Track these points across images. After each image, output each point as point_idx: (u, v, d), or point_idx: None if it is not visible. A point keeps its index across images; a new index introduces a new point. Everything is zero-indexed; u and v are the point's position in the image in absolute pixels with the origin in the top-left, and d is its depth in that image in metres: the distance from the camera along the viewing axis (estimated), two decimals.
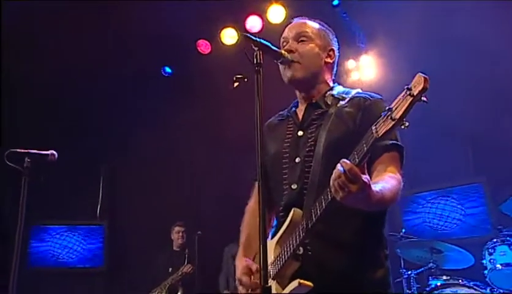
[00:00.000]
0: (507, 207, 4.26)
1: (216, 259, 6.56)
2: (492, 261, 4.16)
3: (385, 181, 1.82)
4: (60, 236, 7.35)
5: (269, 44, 2.05)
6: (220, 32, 6.67)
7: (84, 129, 7.17)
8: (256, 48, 1.98)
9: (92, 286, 7.21)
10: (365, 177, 1.60)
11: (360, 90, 2.19)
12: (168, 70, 7.23)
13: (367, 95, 2.12)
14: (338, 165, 1.61)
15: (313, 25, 2.31)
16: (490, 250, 4.21)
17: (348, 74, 6.68)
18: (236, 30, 6.64)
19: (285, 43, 2.25)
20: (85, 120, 7.15)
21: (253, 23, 6.52)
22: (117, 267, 7.40)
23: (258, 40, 2.00)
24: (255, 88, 1.93)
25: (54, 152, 3.21)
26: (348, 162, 1.60)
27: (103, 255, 7.37)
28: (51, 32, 5.86)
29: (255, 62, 1.97)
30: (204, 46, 6.81)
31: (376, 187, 1.69)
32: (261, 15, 6.48)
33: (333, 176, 1.63)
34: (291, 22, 2.37)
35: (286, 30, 2.31)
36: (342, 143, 1.91)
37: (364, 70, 6.68)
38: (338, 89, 2.24)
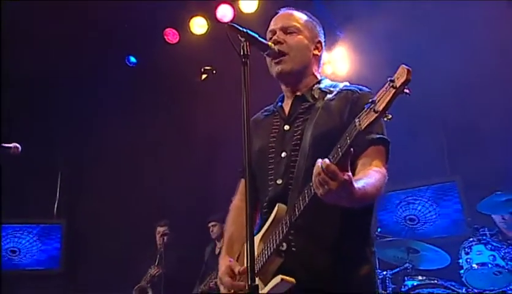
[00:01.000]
0: (484, 206, 4.40)
1: (185, 261, 6.50)
2: (468, 260, 4.29)
3: (368, 176, 1.86)
4: (12, 236, 7.12)
5: (256, 35, 2.05)
6: (189, 21, 6.61)
7: (42, 119, 6.97)
8: (242, 39, 1.97)
9: (47, 290, 7.02)
10: (346, 175, 1.62)
11: (348, 84, 2.22)
12: (132, 59, 7.12)
13: (355, 88, 2.15)
14: (318, 161, 1.65)
15: (300, 16, 2.33)
16: (466, 249, 4.35)
17: (321, 67, 6.72)
18: (206, 19, 6.61)
19: (271, 35, 2.25)
20: (42, 110, 6.96)
21: (224, 12, 6.49)
22: (75, 270, 7.22)
23: (245, 30, 2.00)
24: (242, 80, 1.92)
25: (18, 145, 3.10)
26: (326, 159, 1.63)
27: (60, 256, 7.20)
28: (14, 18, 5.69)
29: (241, 53, 1.96)
30: (171, 35, 6.74)
31: (358, 184, 1.72)
32: (233, 4, 6.46)
33: (314, 172, 1.66)
34: (277, 13, 2.37)
35: (273, 22, 2.32)
36: (328, 137, 1.92)
37: (338, 63, 6.75)
38: (325, 83, 2.27)
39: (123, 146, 7.10)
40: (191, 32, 6.64)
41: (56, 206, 7.39)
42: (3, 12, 5.60)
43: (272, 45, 2.16)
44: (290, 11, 2.35)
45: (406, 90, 1.48)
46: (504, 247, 4.21)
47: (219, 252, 6.25)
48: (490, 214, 4.76)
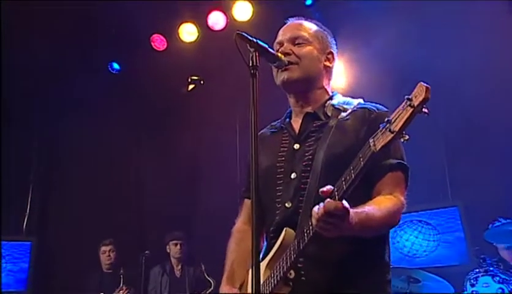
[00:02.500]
0: (491, 234, 4.40)
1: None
2: (474, 292, 4.28)
3: (375, 203, 1.86)
4: None
5: (266, 45, 2.03)
6: (178, 27, 6.59)
7: (13, 132, 6.86)
8: (252, 49, 1.95)
9: None
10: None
11: (362, 101, 2.20)
12: (115, 66, 7.05)
13: (372, 107, 2.13)
14: (320, 205, 1.66)
15: (310, 26, 2.31)
16: (472, 281, 4.33)
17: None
18: (196, 26, 6.61)
19: (279, 47, 2.23)
20: (14, 121, 6.85)
21: (216, 19, 6.50)
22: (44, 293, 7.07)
23: (254, 40, 1.97)
24: (250, 93, 1.89)
25: None
26: (331, 201, 1.64)
27: (27, 277, 7.02)
28: None
29: (250, 64, 1.93)
30: (159, 42, 6.71)
31: (357, 210, 1.73)
32: (225, 11, 6.46)
33: (317, 214, 1.66)
34: (285, 24, 2.36)
35: (281, 32, 2.30)
36: (342, 159, 1.90)
37: (336, 77, 6.77)
38: (338, 99, 2.24)
39: (99, 160, 7.02)
40: (180, 39, 6.62)
41: (25, 222, 7.23)
42: None
43: (282, 56, 2.14)
44: (299, 21, 2.34)
45: (425, 110, 1.47)
46: (511, 279, 4.20)
47: (181, 273, 6.11)
48: (493, 243, 4.78)
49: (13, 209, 7.15)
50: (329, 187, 1.67)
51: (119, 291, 5.99)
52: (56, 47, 6.27)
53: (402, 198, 1.96)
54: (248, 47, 1.95)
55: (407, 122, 1.48)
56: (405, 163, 2.03)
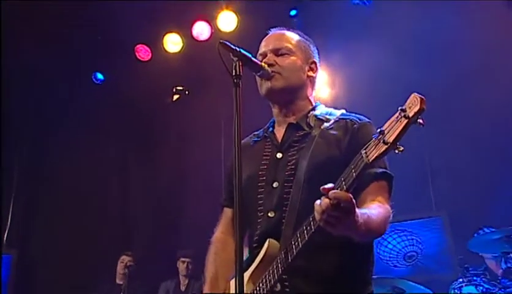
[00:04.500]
0: (475, 244, 4.43)
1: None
2: None
3: (372, 208, 1.84)
4: None
5: (249, 54, 2.03)
6: (162, 37, 6.59)
7: None
8: (235, 58, 1.96)
9: None
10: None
11: (344, 112, 2.21)
12: (99, 76, 7.02)
13: (354, 118, 2.14)
14: (325, 196, 1.60)
15: (292, 36, 2.32)
16: (456, 290, 4.35)
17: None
18: (181, 36, 6.61)
19: (262, 59, 2.23)
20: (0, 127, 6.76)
21: (201, 30, 6.52)
22: None
23: (238, 49, 1.98)
24: (233, 103, 1.89)
25: None
26: (339, 191, 1.60)
27: (7, 292, 6.88)
28: None
29: (233, 73, 1.93)
30: (143, 52, 6.71)
31: (362, 213, 1.70)
32: (210, 21, 6.47)
33: (320, 206, 1.60)
34: (267, 34, 2.37)
35: (263, 43, 2.31)
36: (325, 169, 1.93)
37: (319, 88, 6.81)
38: (321, 109, 2.26)
39: (84, 170, 6.95)
40: (164, 49, 6.62)
41: (6, 234, 7.11)
42: None
43: (266, 65, 2.15)
44: (281, 32, 2.34)
45: (420, 121, 1.46)
46: (496, 289, 4.22)
47: (186, 288, 6.15)
48: (478, 252, 4.80)
49: None
50: (330, 185, 1.62)
51: None
52: (38, 57, 6.21)
53: (389, 207, 1.96)
54: (232, 56, 1.96)
55: (402, 133, 1.47)
56: (389, 172, 2.03)
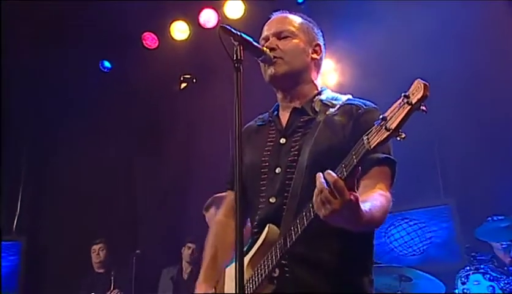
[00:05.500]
0: (482, 232, 4.39)
1: (154, 283, 6.38)
2: (465, 290, 4.27)
3: (374, 199, 1.80)
4: None
5: (250, 39, 2.00)
6: (169, 25, 6.56)
7: (3, 131, 6.80)
8: (236, 43, 1.92)
9: None
10: (352, 195, 1.56)
11: (351, 97, 2.17)
12: (107, 64, 7.01)
13: (360, 103, 2.09)
14: (320, 175, 1.59)
15: (295, 19, 2.28)
16: (463, 278, 4.32)
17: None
18: (188, 24, 6.58)
19: (264, 43, 2.20)
20: (5, 120, 6.79)
21: (208, 17, 6.48)
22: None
23: (239, 33, 1.94)
24: (234, 87, 1.86)
25: None
26: (333, 174, 1.57)
27: (17, 278, 6.96)
28: None
29: (234, 57, 1.90)
30: (150, 40, 6.68)
31: (365, 206, 1.66)
32: (217, 8, 6.44)
33: (316, 190, 1.59)
34: (269, 18, 2.32)
35: (265, 27, 2.27)
36: (328, 155, 1.89)
37: (327, 75, 6.76)
38: (327, 94, 2.21)
39: (91, 158, 6.97)
40: (171, 37, 6.59)
41: (15, 221, 7.17)
42: None
43: (267, 50, 2.11)
44: (283, 15, 2.30)
45: (423, 107, 1.42)
46: (504, 277, 4.19)
47: (189, 276, 6.12)
48: (486, 241, 4.76)
49: (3, 209, 7.08)
50: (330, 171, 1.58)
51: (110, 293, 5.95)
52: (46, 45, 6.22)
53: (390, 195, 1.92)
54: (232, 40, 1.92)
55: (404, 119, 1.44)
56: (392, 157, 1.99)
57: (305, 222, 1.73)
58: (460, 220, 5.69)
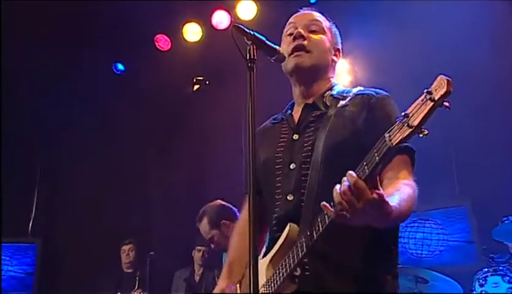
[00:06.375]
0: (499, 232, 4.32)
1: (168, 284, 6.38)
2: (483, 292, 4.20)
3: (401, 191, 1.77)
4: None
5: (264, 38, 1.98)
6: (182, 27, 6.55)
7: (18, 132, 6.85)
8: (249, 42, 1.90)
9: None
10: (376, 193, 1.54)
11: (361, 88, 2.16)
12: (120, 67, 7.03)
13: (371, 92, 2.08)
14: (344, 178, 1.56)
15: (323, 18, 2.30)
16: (481, 280, 4.25)
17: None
18: (201, 26, 6.58)
19: (292, 28, 2.20)
20: (19, 122, 6.84)
21: (220, 19, 6.47)
22: None
23: (252, 32, 1.93)
24: (247, 87, 1.84)
25: None
26: (353, 174, 1.55)
27: (33, 280, 7.00)
28: None
29: (248, 57, 1.88)
30: (163, 42, 6.68)
31: (393, 201, 1.64)
32: (229, 10, 6.42)
33: (337, 191, 1.57)
34: (297, 12, 2.32)
35: (293, 19, 2.27)
36: (343, 148, 1.90)
37: (340, 75, 6.72)
38: (338, 89, 2.20)
39: (105, 160, 7.00)
40: (184, 39, 6.59)
41: (31, 222, 7.21)
42: None
43: (281, 49, 2.07)
44: (312, 12, 2.31)
45: (446, 104, 1.39)
46: None
47: (200, 278, 6.12)
48: (502, 241, 4.68)
49: (18, 211, 7.12)
50: (351, 172, 1.57)
51: (134, 292, 5.98)
52: (59, 48, 6.25)
53: (414, 183, 1.90)
54: (246, 40, 1.90)
55: (427, 116, 1.41)
56: (411, 146, 1.96)
57: (327, 220, 1.71)
58: (477, 220, 5.61)
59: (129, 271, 6.43)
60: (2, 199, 6.65)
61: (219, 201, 4.48)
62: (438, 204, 5.97)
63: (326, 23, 2.26)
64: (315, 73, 2.18)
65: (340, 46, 2.31)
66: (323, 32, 2.20)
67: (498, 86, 5.42)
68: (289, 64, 2.15)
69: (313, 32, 2.18)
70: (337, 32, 2.32)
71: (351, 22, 5.79)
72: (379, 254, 1.94)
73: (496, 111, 5.49)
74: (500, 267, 4.26)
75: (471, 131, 5.59)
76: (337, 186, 1.58)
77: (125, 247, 6.48)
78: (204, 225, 4.23)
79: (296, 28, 2.18)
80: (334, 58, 2.25)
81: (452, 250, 5.72)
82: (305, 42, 2.13)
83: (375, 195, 1.53)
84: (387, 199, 1.58)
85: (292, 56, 2.13)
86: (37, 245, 7.11)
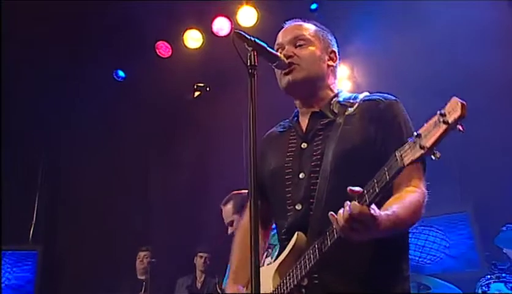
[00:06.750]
0: (502, 240, 4.29)
1: (170, 292, 6.37)
2: None
3: (401, 200, 1.79)
4: None
5: (264, 44, 1.98)
6: (183, 34, 6.55)
7: (20, 137, 6.85)
8: (250, 48, 1.91)
9: None
10: (372, 211, 1.59)
11: (368, 93, 2.15)
12: (121, 73, 7.03)
13: (379, 97, 2.07)
14: (346, 206, 1.60)
15: (309, 27, 2.27)
16: (483, 287, 4.22)
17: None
18: (201, 33, 6.57)
19: (280, 50, 2.19)
20: (21, 127, 6.84)
21: (221, 25, 6.46)
22: None
23: (252, 38, 1.94)
24: (248, 93, 1.84)
25: None
26: (357, 204, 1.58)
27: (33, 288, 6.97)
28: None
29: (248, 63, 1.88)
30: (164, 49, 6.68)
31: (388, 211, 1.67)
32: (230, 16, 6.42)
33: (341, 217, 1.61)
34: (283, 27, 2.32)
35: (280, 35, 2.26)
36: (353, 156, 1.91)
37: (341, 82, 6.72)
38: (344, 95, 2.20)
39: (106, 166, 6.99)
40: (185, 45, 6.58)
41: (31, 230, 7.19)
42: None
43: (282, 55, 2.09)
44: (298, 23, 2.29)
45: (460, 127, 1.38)
46: None
47: (202, 285, 6.11)
48: (503, 248, 4.66)
49: (19, 217, 7.10)
50: (358, 188, 1.61)
51: None
52: (59, 55, 6.25)
53: (424, 189, 1.90)
54: (246, 46, 1.91)
55: (440, 138, 1.40)
56: None
57: (335, 234, 1.72)
58: (479, 227, 5.58)
59: (142, 277, 6.39)
60: (3, 206, 6.64)
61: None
62: (440, 210, 5.94)
63: (311, 31, 2.23)
64: (310, 85, 2.17)
65: (334, 48, 2.28)
66: (310, 43, 2.19)
67: (501, 90, 5.40)
68: (282, 81, 2.16)
69: (300, 46, 2.17)
70: (328, 35, 2.29)
71: (352, 26, 5.81)
72: (388, 263, 1.93)
73: (499, 115, 5.47)
74: (503, 275, 4.22)
75: (474, 137, 5.58)
76: (341, 211, 1.62)
77: (141, 254, 6.46)
78: (228, 209, 4.28)
79: (283, 47, 2.18)
80: (330, 63, 2.23)
81: (455, 257, 5.69)
82: (294, 59, 2.12)
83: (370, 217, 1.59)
84: (378, 212, 1.62)
85: (284, 73, 2.13)
86: (37, 252, 7.08)
